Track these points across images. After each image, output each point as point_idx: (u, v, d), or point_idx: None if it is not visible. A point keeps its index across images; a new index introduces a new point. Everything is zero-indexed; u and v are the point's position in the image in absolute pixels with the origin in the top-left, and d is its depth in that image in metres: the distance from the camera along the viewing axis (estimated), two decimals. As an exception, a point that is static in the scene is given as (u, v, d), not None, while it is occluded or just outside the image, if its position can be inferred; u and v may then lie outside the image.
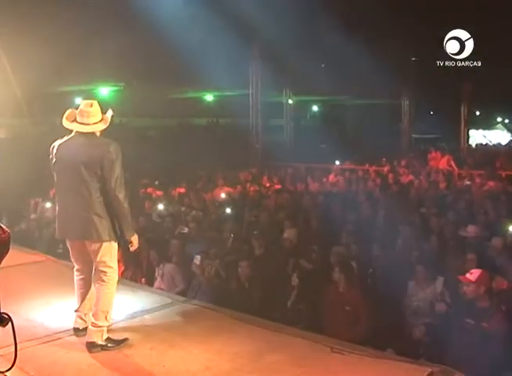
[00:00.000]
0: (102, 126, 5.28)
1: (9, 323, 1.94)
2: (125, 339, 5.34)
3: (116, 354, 5.10)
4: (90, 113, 5.22)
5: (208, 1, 17.14)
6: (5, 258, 6.59)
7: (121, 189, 5.10)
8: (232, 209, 12.89)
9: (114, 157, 5.08)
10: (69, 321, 5.62)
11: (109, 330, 5.33)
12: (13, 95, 15.59)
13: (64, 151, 5.24)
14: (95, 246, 5.16)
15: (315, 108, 40.38)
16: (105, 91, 26.23)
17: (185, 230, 10.96)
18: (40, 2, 15.69)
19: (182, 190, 16.06)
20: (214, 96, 33.55)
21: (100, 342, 5.17)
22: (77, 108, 5.33)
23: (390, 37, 19.12)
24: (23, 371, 4.61)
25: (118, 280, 5.45)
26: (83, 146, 5.16)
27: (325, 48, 20.62)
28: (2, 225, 1.89)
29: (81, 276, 5.48)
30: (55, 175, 5.34)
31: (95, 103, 5.34)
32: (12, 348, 2.00)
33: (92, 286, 5.39)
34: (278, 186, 17.42)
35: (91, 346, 5.16)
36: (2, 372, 1.98)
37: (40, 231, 11.82)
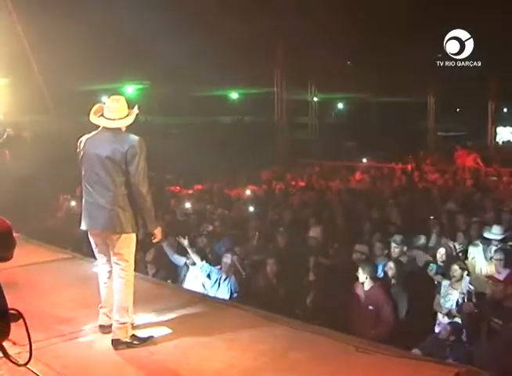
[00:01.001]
0: (128, 122, 5.34)
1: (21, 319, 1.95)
2: (150, 337, 5.36)
3: (140, 351, 5.12)
4: (116, 108, 5.30)
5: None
6: (33, 255, 6.66)
7: (145, 183, 5.17)
8: (256, 207, 12.88)
9: (138, 151, 5.15)
10: (95, 318, 5.65)
11: (134, 328, 5.37)
12: (40, 93, 15.72)
13: (91, 146, 5.33)
14: (116, 237, 5.23)
15: (340, 106, 40.21)
16: (130, 89, 26.37)
17: (210, 228, 10.97)
18: (68, 2, 15.83)
19: (207, 188, 16.09)
20: (239, 94, 33.57)
21: (125, 340, 5.20)
22: (104, 103, 5.42)
23: (416, 34, 18.96)
24: (48, 367, 4.66)
25: (145, 279, 5.49)
26: (108, 141, 5.25)
27: (351, 46, 20.55)
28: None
29: (105, 271, 5.51)
30: (82, 169, 5.41)
31: (122, 99, 5.42)
32: (33, 345, 2.02)
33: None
34: (302, 184, 17.39)
35: (117, 344, 5.19)
36: (21, 365, 2.00)
37: (66, 228, 11.91)
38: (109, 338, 5.32)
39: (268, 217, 12.17)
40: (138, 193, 5.16)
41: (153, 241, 5.62)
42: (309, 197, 14.33)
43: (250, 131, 27.40)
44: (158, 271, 9.02)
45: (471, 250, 8.94)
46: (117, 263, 5.27)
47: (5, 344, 1.96)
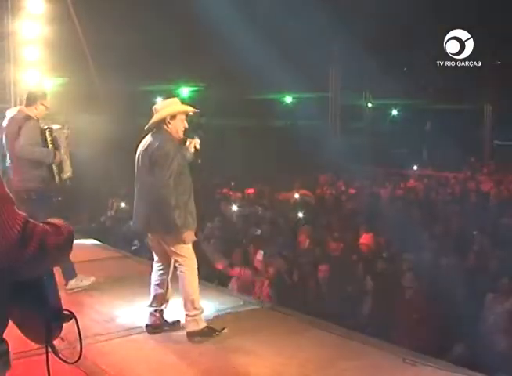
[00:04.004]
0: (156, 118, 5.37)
1: (73, 319, 1.98)
2: (223, 329, 5.40)
3: (188, 353, 5.13)
4: (156, 109, 5.41)
5: (289, 3, 17.15)
6: (83, 253, 6.76)
7: (168, 186, 5.11)
8: (307, 212, 12.83)
9: (163, 153, 5.16)
10: (141, 318, 5.71)
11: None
12: (96, 93, 15.99)
13: (139, 147, 5.44)
14: (163, 237, 5.31)
15: (394, 112, 39.74)
16: (186, 91, 26.60)
17: (259, 232, 10.97)
18: (126, 4, 16.07)
19: (258, 192, 16.10)
20: (293, 98, 33.50)
21: (198, 331, 5.27)
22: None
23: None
24: (95, 365, 4.71)
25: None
26: (144, 144, 5.37)
27: (406, 52, 20.33)
28: (60, 225, 1.90)
29: (157, 269, 5.57)
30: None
31: (169, 101, 5.53)
32: (83, 342, 2.04)
33: (167, 280, 5.54)
34: (353, 191, 17.25)
35: (191, 336, 5.27)
36: (69, 363, 2.02)
37: (116, 228, 12.10)
38: (156, 337, 5.38)
39: (319, 222, 12.10)
40: (160, 195, 5.14)
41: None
42: (360, 204, 14.21)
43: (302, 136, 27.33)
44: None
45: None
46: (175, 260, 5.34)
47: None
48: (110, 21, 15.85)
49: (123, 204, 13.20)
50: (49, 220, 1.89)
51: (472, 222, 11.53)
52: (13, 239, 1.66)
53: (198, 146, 5.57)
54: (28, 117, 6.43)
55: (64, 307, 1.95)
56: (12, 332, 1.91)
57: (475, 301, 7.56)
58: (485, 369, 5.28)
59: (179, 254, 5.30)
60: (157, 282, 5.53)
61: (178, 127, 5.36)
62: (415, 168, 22.17)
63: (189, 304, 5.26)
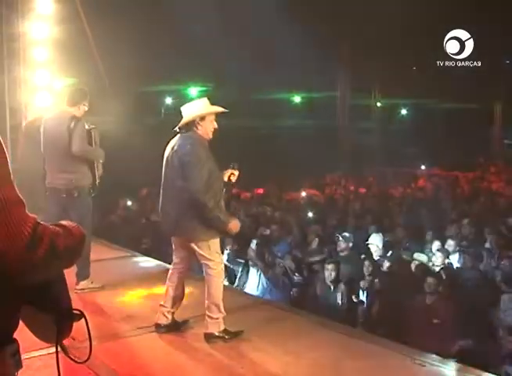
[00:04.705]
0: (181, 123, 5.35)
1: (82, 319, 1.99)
2: (241, 331, 5.41)
3: (196, 353, 5.14)
4: (185, 111, 5.38)
5: (298, 3, 17.15)
6: (92, 253, 6.79)
7: (202, 190, 5.09)
8: (316, 211, 12.83)
9: (192, 158, 5.13)
10: (150, 317, 5.73)
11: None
12: (106, 93, 16.03)
13: (168, 149, 5.42)
14: (191, 242, 5.30)
15: (403, 111, 39.64)
16: (194, 91, 26.66)
17: (267, 232, 10.97)
18: (134, 4, 16.11)
19: (267, 192, 16.10)
20: (302, 98, 33.47)
21: (217, 334, 5.28)
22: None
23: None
24: (104, 365, 4.71)
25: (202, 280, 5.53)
26: (174, 147, 5.33)
27: (415, 51, 20.29)
28: (72, 227, 1.91)
29: (176, 271, 5.57)
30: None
31: (199, 101, 5.49)
32: (92, 342, 2.06)
33: (183, 284, 5.58)
34: (363, 190, 17.24)
35: (209, 337, 5.28)
36: (79, 362, 2.03)
37: (125, 227, 12.12)
38: (166, 337, 5.40)
39: (328, 222, 12.10)
40: (196, 200, 5.12)
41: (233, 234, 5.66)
42: (370, 204, 14.20)
43: (311, 136, 27.29)
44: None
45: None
46: (204, 263, 5.34)
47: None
48: (119, 21, 15.87)
49: (129, 203, 13.33)
50: (61, 222, 1.90)
51: (483, 222, 11.50)
52: (23, 241, 1.67)
53: (234, 179, 5.54)
54: (76, 118, 6.56)
55: (74, 307, 1.97)
56: (22, 332, 1.93)
57: (490, 302, 7.56)
58: (497, 370, 5.28)
59: (209, 259, 5.29)
60: (175, 284, 5.53)
61: (208, 128, 5.34)
62: (422, 167, 22.11)
63: (214, 307, 5.27)
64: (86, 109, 6.76)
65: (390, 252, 9.72)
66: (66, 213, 6.53)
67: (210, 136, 5.40)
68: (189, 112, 5.35)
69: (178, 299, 5.54)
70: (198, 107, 5.39)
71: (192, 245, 5.29)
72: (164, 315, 5.52)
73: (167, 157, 5.35)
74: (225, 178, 5.47)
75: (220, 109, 5.47)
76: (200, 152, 5.19)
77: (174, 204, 5.30)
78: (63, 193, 6.57)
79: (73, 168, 6.56)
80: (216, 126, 5.41)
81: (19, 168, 10.04)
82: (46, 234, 1.73)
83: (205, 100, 5.49)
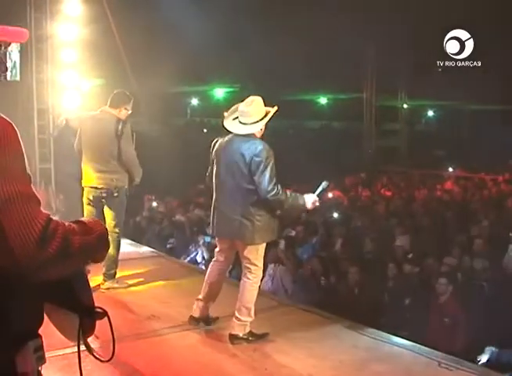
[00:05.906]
0: (259, 126, 5.25)
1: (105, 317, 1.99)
2: (266, 333, 5.41)
3: (221, 354, 5.13)
4: (249, 112, 5.24)
5: (324, 3, 17.11)
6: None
7: (274, 189, 5.08)
8: (341, 213, 12.78)
9: (263, 160, 5.07)
10: (176, 317, 5.75)
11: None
12: (132, 94, 16.14)
13: (222, 150, 5.34)
14: (243, 245, 5.29)
15: (430, 113, 39.36)
16: (220, 92, 26.70)
17: (293, 233, 10.95)
18: (160, 5, 16.17)
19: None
20: (328, 99, 33.42)
21: (242, 335, 5.28)
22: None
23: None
24: (129, 364, 4.72)
25: (225, 279, 5.54)
26: (236, 148, 5.20)
27: (441, 52, 20.09)
28: (92, 225, 1.90)
29: (217, 268, 5.59)
30: (213, 174, 5.45)
31: (256, 100, 5.35)
32: (116, 341, 2.06)
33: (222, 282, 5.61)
34: (388, 192, 17.14)
35: (234, 338, 5.28)
36: (103, 361, 2.03)
37: (151, 227, 12.19)
38: (190, 337, 5.41)
39: (353, 224, 12.04)
40: (270, 201, 5.12)
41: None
42: (396, 206, 14.11)
43: (337, 137, 27.23)
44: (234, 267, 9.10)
45: None
46: (245, 266, 5.34)
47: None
48: (146, 22, 15.97)
49: (154, 204, 13.56)
50: (82, 219, 1.88)
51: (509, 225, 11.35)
52: (33, 238, 1.65)
53: (317, 204, 5.53)
54: (122, 121, 6.64)
55: (97, 305, 1.96)
56: (47, 328, 1.93)
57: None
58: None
59: (253, 263, 5.29)
60: (214, 281, 5.55)
61: (263, 128, 5.33)
62: (450, 169, 21.90)
63: (246, 310, 5.27)
64: (129, 113, 6.83)
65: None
66: (102, 212, 6.70)
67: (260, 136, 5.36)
68: (258, 112, 5.27)
69: (214, 296, 5.56)
70: (262, 110, 5.31)
71: (242, 247, 5.29)
72: (200, 308, 5.56)
73: (229, 160, 5.24)
74: (317, 192, 5.52)
75: (275, 109, 5.36)
76: (270, 154, 5.14)
77: (235, 206, 5.22)
78: (103, 192, 6.65)
79: (116, 168, 6.65)
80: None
81: (54, 168, 10.25)
82: (59, 231, 1.70)
83: (261, 100, 5.39)
